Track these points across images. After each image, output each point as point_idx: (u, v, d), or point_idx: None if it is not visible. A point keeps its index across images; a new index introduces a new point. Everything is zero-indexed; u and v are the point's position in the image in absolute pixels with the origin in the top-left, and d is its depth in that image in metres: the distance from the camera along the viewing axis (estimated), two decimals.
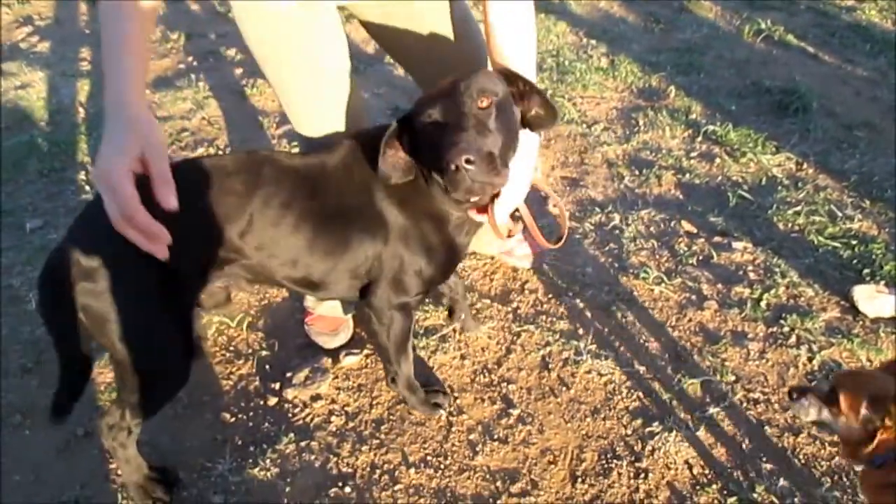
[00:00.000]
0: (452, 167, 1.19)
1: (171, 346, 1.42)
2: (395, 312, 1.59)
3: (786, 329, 2.10)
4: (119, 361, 1.40)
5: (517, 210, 1.52)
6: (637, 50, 4.04)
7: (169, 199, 1.11)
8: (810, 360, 2.00)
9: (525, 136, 1.42)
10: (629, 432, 1.78)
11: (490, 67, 1.50)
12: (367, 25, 1.75)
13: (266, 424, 1.78)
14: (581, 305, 2.16)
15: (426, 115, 1.30)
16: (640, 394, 1.88)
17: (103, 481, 1.65)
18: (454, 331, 2.05)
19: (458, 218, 1.50)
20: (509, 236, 1.57)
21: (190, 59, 3.81)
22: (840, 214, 2.65)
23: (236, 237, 1.42)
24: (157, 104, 3.34)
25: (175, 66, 3.75)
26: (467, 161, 1.17)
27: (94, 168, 1.20)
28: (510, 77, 1.39)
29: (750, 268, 2.36)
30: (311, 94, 1.59)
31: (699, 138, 3.15)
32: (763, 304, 2.19)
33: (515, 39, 1.44)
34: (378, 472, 1.66)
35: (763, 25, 4.26)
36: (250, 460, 1.68)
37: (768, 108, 3.44)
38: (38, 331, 2.07)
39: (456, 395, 1.87)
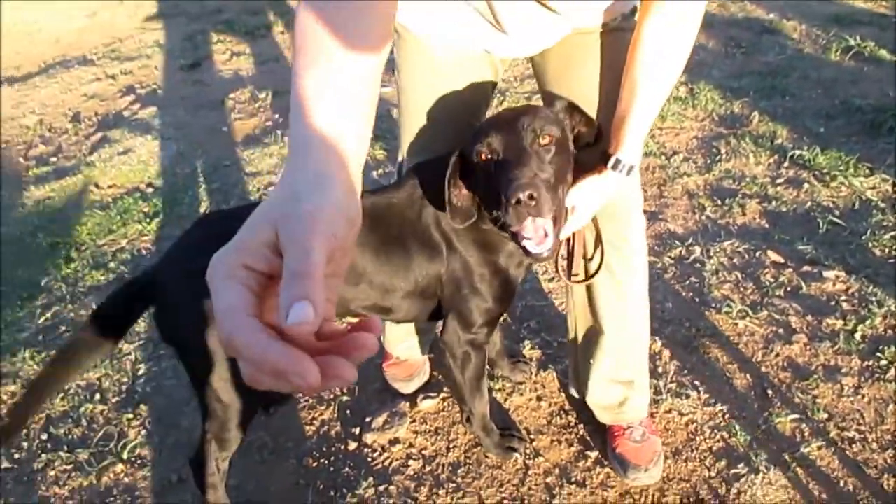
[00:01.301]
0: (513, 201, 1.19)
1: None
2: (467, 349, 1.61)
3: (883, 362, 1.99)
4: (202, 387, 1.50)
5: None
6: (717, 76, 3.97)
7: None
8: None
9: (605, 176, 1.38)
10: (713, 474, 1.71)
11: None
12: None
13: (346, 469, 1.83)
14: (661, 342, 2.11)
15: (485, 149, 1.31)
16: (725, 434, 1.81)
17: None
18: (529, 375, 2.04)
19: (511, 247, 1.50)
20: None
21: (276, 115, 4.01)
22: None
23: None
24: (246, 161, 3.52)
25: (263, 123, 3.95)
26: (530, 197, 1.18)
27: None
28: (570, 109, 1.38)
29: (843, 298, 2.26)
30: (436, 140, 1.58)
31: (785, 164, 3.05)
32: (858, 335, 2.08)
33: (662, 62, 1.29)
34: None
35: (851, 42, 4.11)
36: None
37: (860, 129, 3.30)
38: (140, 381, 2.20)
39: (532, 437, 1.86)
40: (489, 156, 1.30)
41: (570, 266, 1.57)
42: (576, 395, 1.88)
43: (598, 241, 1.55)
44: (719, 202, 2.81)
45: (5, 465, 1.96)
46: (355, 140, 0.66)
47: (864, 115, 3.37)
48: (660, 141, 3.33)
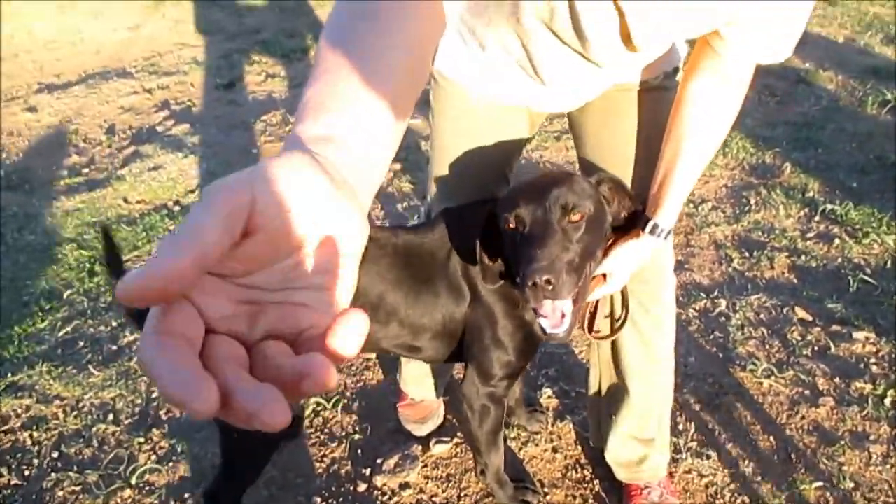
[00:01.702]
0: (530, 283, 1.15)
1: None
2: (486, 402, 1.58)
3: None
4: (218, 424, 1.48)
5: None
6: (750, 124, 3.94)
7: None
8: None
9: (641, 241, 1.34)
10: None
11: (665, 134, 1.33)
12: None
13: None
14: (682, 398, 2.07)
15: (513, 218, 1.26)
16: (746, 498, 1.76)
17: None
18: (545, 426, 2.00)
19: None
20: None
21: None
22: None
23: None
24: None
25: None
26: (547, 282, 1.15)
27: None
28: (614, 186, 1.32)
29: (872, 360, 2.20)
30: (465, 187, 1.56)
31: (816, 217, 3.00)
32: (887, 401, 2.03)
33: (708, 124, 1.26)
34: None
35: (889, 96, 4.06)
36: None
37: (894, 185, 3.24)
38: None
39: (546, 490, 1.82)
40: (515, 226, 1.26)
41: (592, 321, 1.54)
42: (593, 445, 1.84)
43: (625, 299, 1.51)
44: (747, 254, 2.77)
45: (15, 481, 1.96)
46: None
47: None
48: None
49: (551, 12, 1.12)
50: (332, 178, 0.47)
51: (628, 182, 1.40)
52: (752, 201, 3.15)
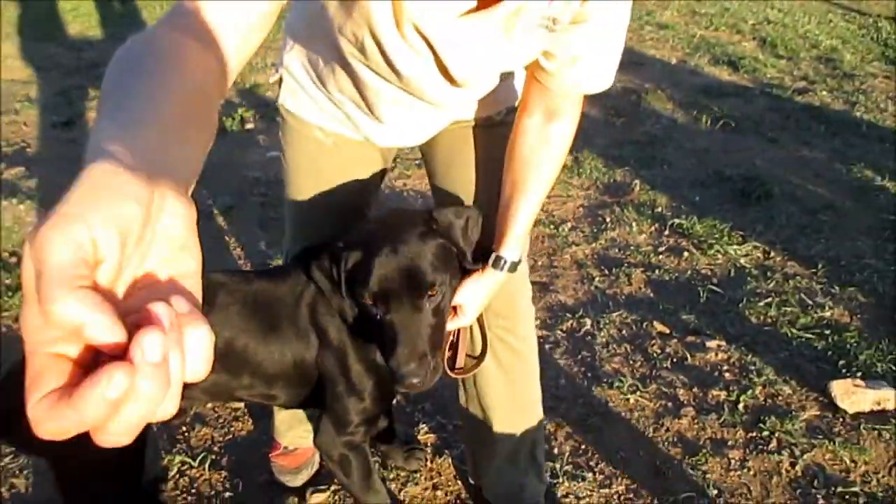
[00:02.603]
0: (400, 382, 1.19)
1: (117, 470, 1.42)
2: (344, 451, 1.53)
3: (765, 433, 2.06)
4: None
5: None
6: (601, 144, 4.13)
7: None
8: (793, 465, 1.96)
9: (488, 274, 1.36)
10: None
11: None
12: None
13: None
14: (556, 422, 2.11)
15: (370, 299, 1.24)
16: None
17: None
18: (425, 463, 1.98)
19: None
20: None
21: None
22: (811, 303, 2.66)
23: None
24: None
25: None
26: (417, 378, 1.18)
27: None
28: (466, 225, 1.30)
29: (725, 367, 2.34)
30: (322, 227, 1.53)
31: (666, 232, 3.18)
32: (741, 406, 2.16)
33: (542, 160, 1.29)
34: None
35: (719, 113, 4.38)
36: None
37: (731, 197, 3.50)
38: None
39: None
40: (375, 309, 1.25)
41: (454, 357, 1.53)
42: (472, 482, 1.84)
43: (483, 333, 1.52)
44: (607, 272, 2.88)
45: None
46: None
47: (734, 185, 3.58)
48: (548, 210, 3.39)
49: (362, 49, 1.12)
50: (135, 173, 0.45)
51: None
52: (608, 219, 3.29)
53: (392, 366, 1.20)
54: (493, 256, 1.34)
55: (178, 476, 1.97)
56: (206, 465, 1.99)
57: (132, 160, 0.47)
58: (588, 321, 2.55)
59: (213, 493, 1.92)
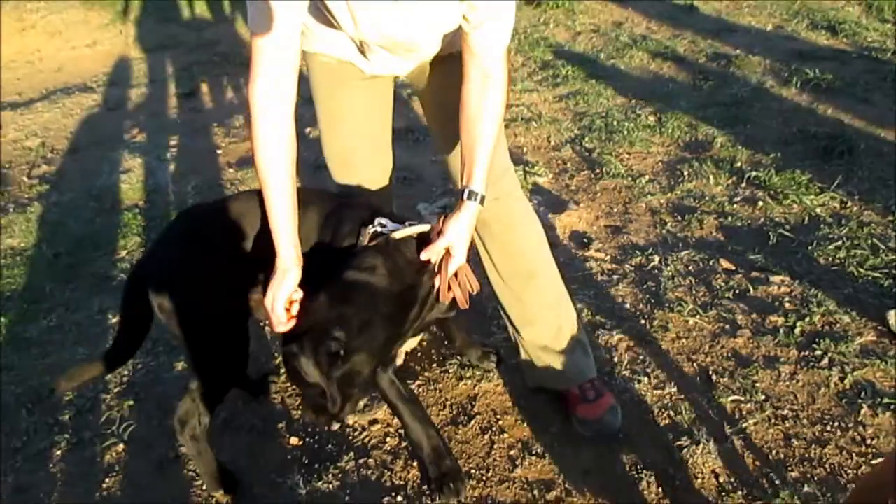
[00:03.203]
0: None
1: (229, 343, 1.78)
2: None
3: (818, 353, 2.19)
4: (188, 354, 1.80)
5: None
6: (685, 106, 4.22)
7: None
8: (842, 380, 2.09)
9: (464, 208, 1.65)
10: (659, 447, 1.91)
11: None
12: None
13: (329, 446, 2.01)
14: (617, 336, 2.32)
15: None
16: (671, 412, 2.01)
17: (192, 497, 1.90)
18: (497, 364, 2.24)
19: None
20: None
21: None
22: (883, 247, 2.72)
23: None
24: (240, 180, 3.74)
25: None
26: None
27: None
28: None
29: (786, 299, 2.47)
30: (346, 147, 1.92)
31: (743, 184, 3.28)
32: (797, 330, 2.29)
33: (485, 113, 1.65)
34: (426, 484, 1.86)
35: (811, 75, 4.38)
36: (315, 475, 1.91)
37: (814, 154, 3.54)
38: (139, 374, 2.38)
39: (499, 417, 2.05)
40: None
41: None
42: (527, 381, 2.12)
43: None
44: (679, 218, 3.04)
45: (14, 444, 2.13)
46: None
47: (818, 142, 3.61)
48: (627, 164, 3.56)
49: (330, 17, 1.60)
50: None
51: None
52: (686, 173, 3.42)
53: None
54: (465, 191, 1.65)
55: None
56: None
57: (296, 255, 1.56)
58: (656, 258, 2.73)
59: None
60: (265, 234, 1.63)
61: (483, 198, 1.66)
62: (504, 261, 1.95)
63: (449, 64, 1.73)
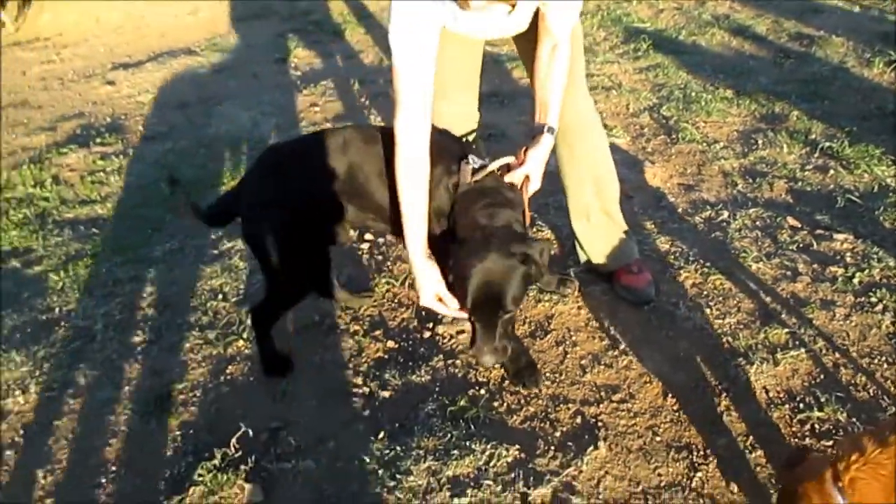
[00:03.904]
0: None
1: (303, 266, 2.09)
2: None
3: (874, 300, 2.35)
4: (267, 271, 2.15)
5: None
6: (763, 82, 4.33)
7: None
8: (894, 324, 2.25)
9: (541, 141, 2.04)
10: (716, 366, 2.13)
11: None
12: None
13: (422, 349, 2.30)
14: (684, 274, 2.53)
15: (465, 302, 1.84)
16: (729, 339, 2.22)
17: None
18: (575, 289, 2.48)
19: None
20: None
21: (363, 99, 4.54)
22: None
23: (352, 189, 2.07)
24: None
25: (352, 104, 4.49)
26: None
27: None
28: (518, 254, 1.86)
29: (848, 254, 2.62)
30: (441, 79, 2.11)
31: (815, 154, 3.40)
32: (855, 280, 2.45)
33: (556, 71, 2.06)
34: (506, 381, 2.12)
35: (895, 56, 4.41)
36: (409, 371, 2.19)
37: (891, 129, 3.62)
38: (253, 288, 2.71)
39: (572, 333, 2.29)
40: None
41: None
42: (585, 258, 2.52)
43: None
44: (750, 180, 3.19)
45: (150, 338, 2.49)
46: None
47: None
48: (703, 131, 3.72)
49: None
50: None
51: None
52: (760, 142, 3.56)
53: (472, 352, 1.89)
54: (543, 127, 2.05)
55: (385, 291, 2.60)
56: (406, 285, 2.61)
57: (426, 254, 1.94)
58: (725, 213, 2.90)
59: (410, 302, 2.53)
60: (341, 166, 1.99)
61: (555, 132, 2.07)
62: (576, 164, 2.35)
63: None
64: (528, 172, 2.03)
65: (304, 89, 4.86)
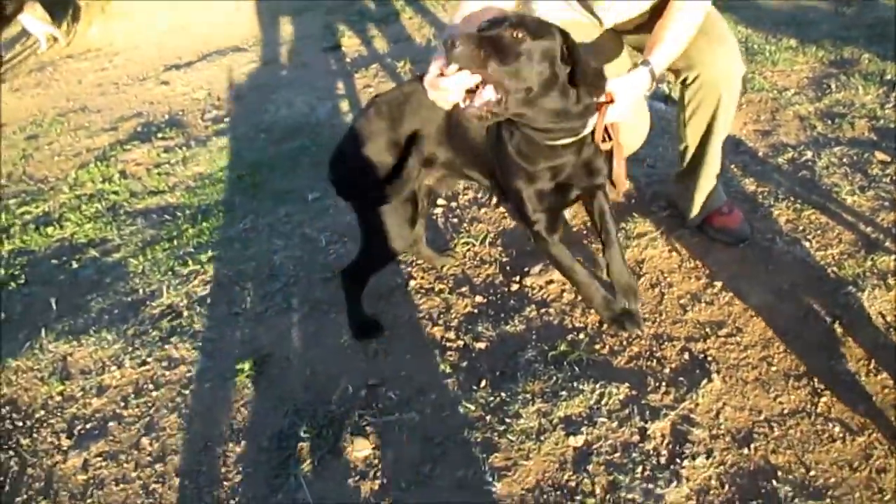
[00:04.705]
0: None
1: (399, 216, 2.04)
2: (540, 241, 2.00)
3: None
4: (362, 223, 2.11)
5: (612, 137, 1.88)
6: (827, 30, 4.18)
7: None
8: None
9: (637, 71, 1.85)
10: (825, 295, 2.05)
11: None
12: None
13: (512, 301, 2.26)
14: (776, 211, 2.45)
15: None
16: (835, 269, 2.13)
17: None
18: (661, 234, 2.41)
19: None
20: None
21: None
22: None
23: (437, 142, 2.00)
24: None
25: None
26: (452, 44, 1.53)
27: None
28: (565, 36, 1.67)
29: None
30: None
31: (894, 93, 3.27)
32: None
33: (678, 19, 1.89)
34: (604, 325, 2.06)
35: None
36: (502, 322, 2.16)
37: None
38: (331, 257, 2.71)
39: (665, 275, 2.23)
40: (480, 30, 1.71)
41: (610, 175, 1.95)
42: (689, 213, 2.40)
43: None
44: (829, 122, 3.08)
45: (236, 310, 2.50)
46: None
47: None
48: (771, 80, 3.60)
49: None
50: None
51: None
52: (833, 86, 3.43)
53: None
54: (643, 61, 1.86)
55: (465, 251, 2.57)
56: (486, 243, 2.57)
57: None
58: (809, 153, 2.80)
59: (492, 259, 2.50)
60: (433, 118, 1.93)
61: (654, 73, 1.86)
62: (699, 117, 2.17)
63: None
64: (611, 92, 1.78)
65: (356, 73, 4.86)
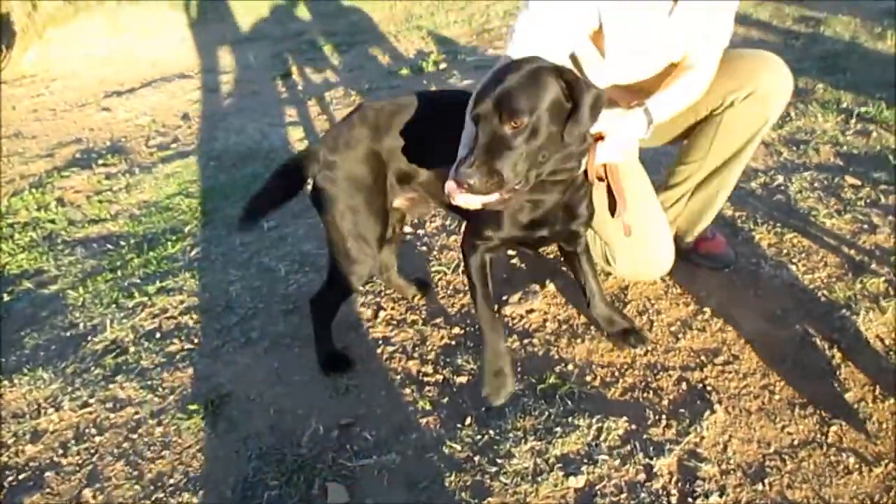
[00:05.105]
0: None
1: (370, 230, 1.89)
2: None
3: None
4: (331, 237, 1.92)
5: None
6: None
7: None
8: None
9: (630, 111, 1.73)
10: (818, 319, 1.98)
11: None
12: None
13: None
14: (757, 235, 2.38)
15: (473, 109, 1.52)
16: (825, 292, 2.07)
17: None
18: None
19: None
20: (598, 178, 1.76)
21: None
22: None
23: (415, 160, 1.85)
24: None
25: None
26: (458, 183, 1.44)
27: None
28: (562, 73, 1.52)
29: None
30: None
31: (853, 120, 3.30)
32: None
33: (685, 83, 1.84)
34: (595, 356, 1.95)
35: None
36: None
37: None
38: (292, 288, 2.53)
39: (653, 302, 2.13)
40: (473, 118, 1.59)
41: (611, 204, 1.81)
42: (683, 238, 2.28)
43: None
44: (794, 148, 3.08)
45: (189, 345, 2.29)
46: None
47: None
48: None
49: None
50: None
51: None
52: (792, 114, 3.45)
53: (451, 173, 1.50)
54: (643, 103, 1.75)
55: (439, 279, 2.43)
56: (459, 272, 2.44)
57: None
58: (780, 177, 2.77)
59: (466, 288, 2.36)
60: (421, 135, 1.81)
61: (649, 120, 1.75)
62: (723, 143, 2.06)
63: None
64: (600, 131, 1.65)
65: (309, 101, 4.72)
